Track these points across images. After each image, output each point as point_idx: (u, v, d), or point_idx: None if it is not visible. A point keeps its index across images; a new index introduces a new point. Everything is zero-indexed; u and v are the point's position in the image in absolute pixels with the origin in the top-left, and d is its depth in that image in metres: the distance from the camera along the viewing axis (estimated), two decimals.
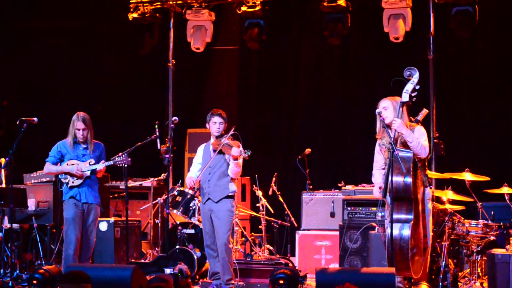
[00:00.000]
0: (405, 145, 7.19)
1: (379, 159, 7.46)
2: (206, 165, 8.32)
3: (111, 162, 8.39)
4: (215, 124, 8.34)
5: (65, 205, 8.40)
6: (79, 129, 8.34)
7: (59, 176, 8.51)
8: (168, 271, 8.08)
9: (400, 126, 7.09)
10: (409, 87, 7.15)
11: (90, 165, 8.35)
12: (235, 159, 8.12)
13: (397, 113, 7.18)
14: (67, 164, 8.38)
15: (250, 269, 9.12)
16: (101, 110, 12.43)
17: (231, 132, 8.28)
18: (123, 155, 8.42)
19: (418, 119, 7.48)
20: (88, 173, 8.36)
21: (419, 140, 7.13)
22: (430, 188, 7.36)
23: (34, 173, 10.12)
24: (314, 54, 12.20)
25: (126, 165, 8.40)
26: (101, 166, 8.36)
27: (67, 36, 12.54)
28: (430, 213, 7.31)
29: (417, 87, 7.14)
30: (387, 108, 7.30)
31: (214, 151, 8.30)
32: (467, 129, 11.06)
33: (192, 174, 8.47)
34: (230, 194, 8.29)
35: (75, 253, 8.22)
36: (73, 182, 8.37)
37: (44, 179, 9.99)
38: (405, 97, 7.17)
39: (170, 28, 11.52)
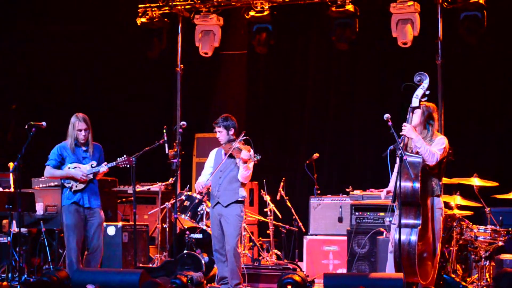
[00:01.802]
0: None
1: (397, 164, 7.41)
2: (216, 169, 8.34)
3: (113, 163, 8.33)
4: (216, 133, 8.42)
5: (66, 210, 8.27)
6: (81, 130, 8.24)
7: (62, 181, 8.41)
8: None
9: (409, 131, 7.07)
10: (419, 92, 7.14)
11: (92, 167, 8.26)
12: (245, 162, 8.13)
13: (408, 118, 7.17)
14: (69, 168, 8.30)
15: (258, 274, 9.13)
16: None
17: (242, 136, 8.29)
18: (125, 156, 8.37)
19: None
20: (91, 176, 8.30)
21: (428, 146, 7.09)
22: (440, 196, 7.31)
23: (43, 177, 10.06)
24: (322, 59, 12.18)
25: (128, 166, 8.35)
26: (104, 168, 8.30)
27: (75, 40, 12.55)
28: (440, 222, 7.25)
29: (427, 92, 7.14)
30: (415, 112, 7.27)
31: (226, 155, 8.32)
32: (475, 134, 11.03)
33: (203, 178, 8.48)
34: (240, 199, 8.29)
35: (77, 259, 8.18)
36: (76, 187, 8.28)
37: (52, 184, 9.98)
38: (415, 102, 7.16)
39: (178, 33, 11.56)
